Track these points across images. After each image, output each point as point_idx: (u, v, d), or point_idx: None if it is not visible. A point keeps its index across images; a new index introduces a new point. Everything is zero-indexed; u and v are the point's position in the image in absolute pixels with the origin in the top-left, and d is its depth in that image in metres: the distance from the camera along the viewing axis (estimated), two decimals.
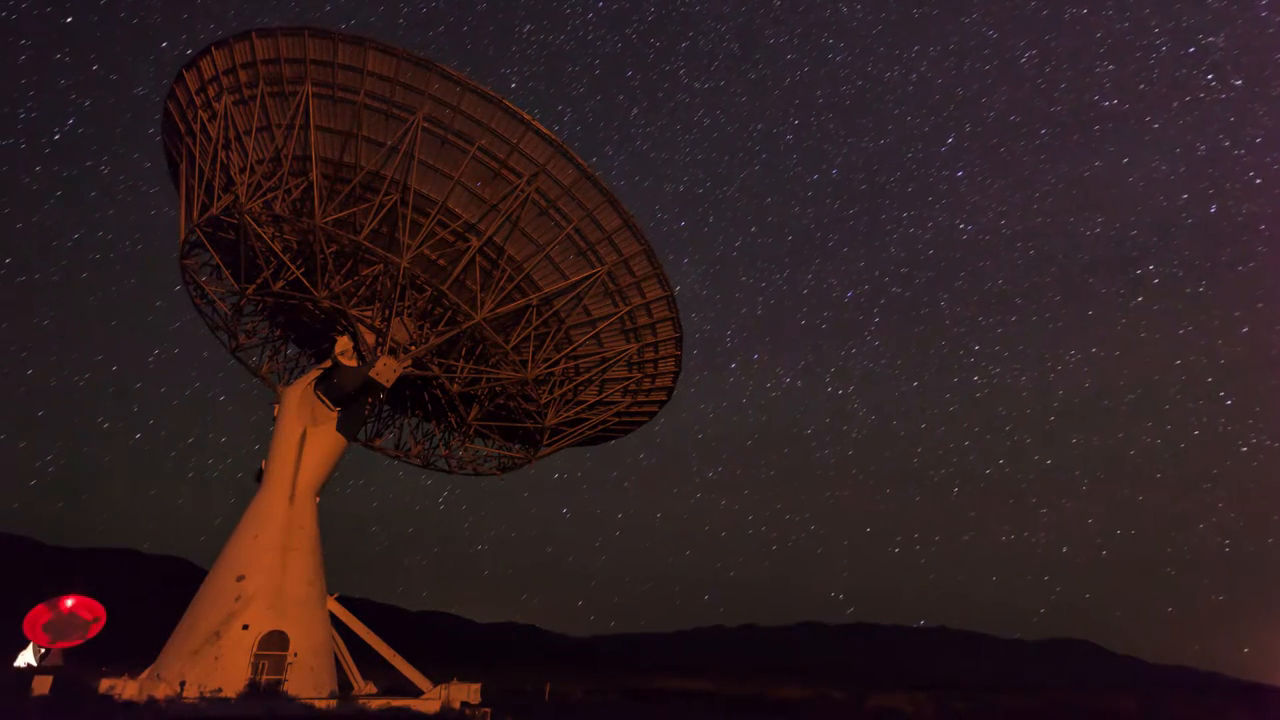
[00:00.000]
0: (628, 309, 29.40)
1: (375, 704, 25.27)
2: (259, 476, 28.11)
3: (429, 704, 25.98)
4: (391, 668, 28.50)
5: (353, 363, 28.28)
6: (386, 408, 36.03)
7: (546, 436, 32.38)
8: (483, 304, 27.43)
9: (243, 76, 26.45)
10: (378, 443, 35.44)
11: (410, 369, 28.92)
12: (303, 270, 27.94)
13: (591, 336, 30.14)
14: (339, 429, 28.69)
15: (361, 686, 29.25)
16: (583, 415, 32.51)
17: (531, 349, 29.11)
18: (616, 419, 33.95)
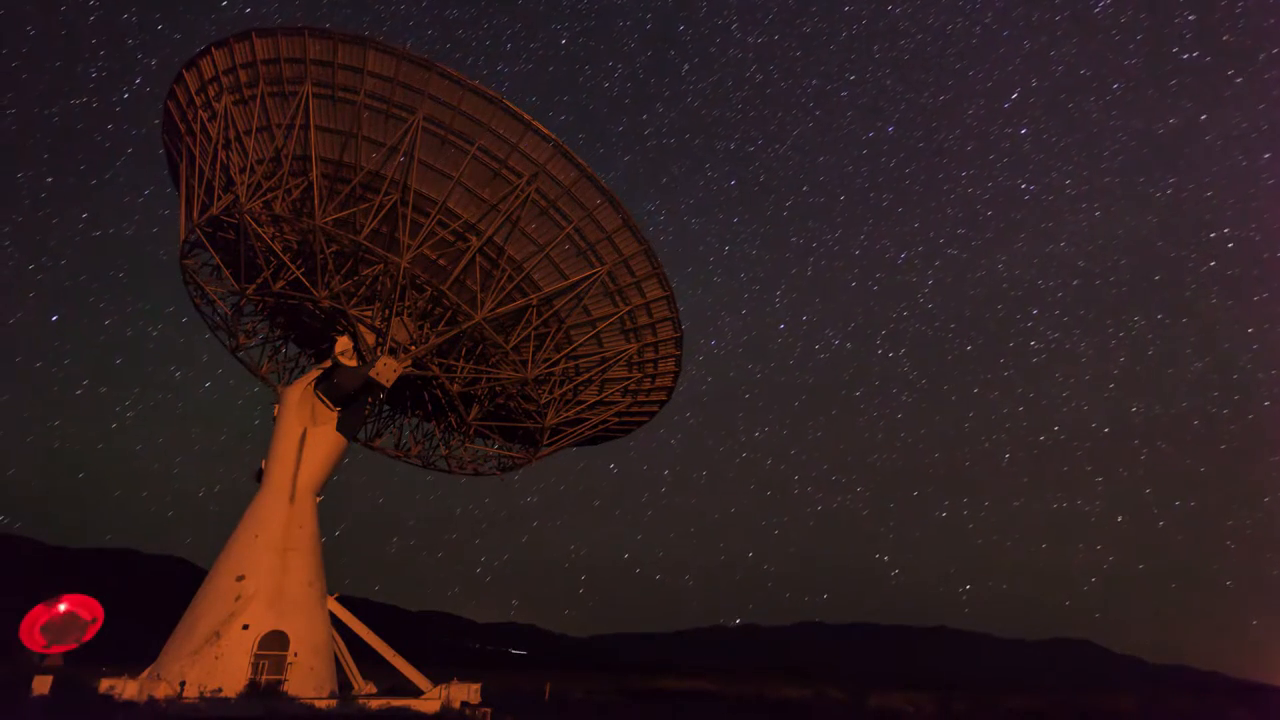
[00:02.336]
0: (628, 309, 29.40)
1: (375, 704, 25.26)
2: (259, 476, 28.09)
3: (429, 704, 25.97)
4: (391, 668, 28.48)
5: (353, 363, 28.28)
6: (386, 408, 36.03)
7: (546, 436, 32.38)
8: (483, 304, 27.43)
9: (243, 76, 26.45)
10: (378, 443, 35.45)
11: (410, 369, 28.92)
12: (303, 270, 27.94)
13: (591, 336, 30.14)
14: (339, 429, 28.67)
15: (361, 686, 29.24)
16: (583, 415, 32.51)
17: (531, 349, 29.11)
18: (616, 419, 33.95)
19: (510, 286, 27.94)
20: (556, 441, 33.21)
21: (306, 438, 27.96)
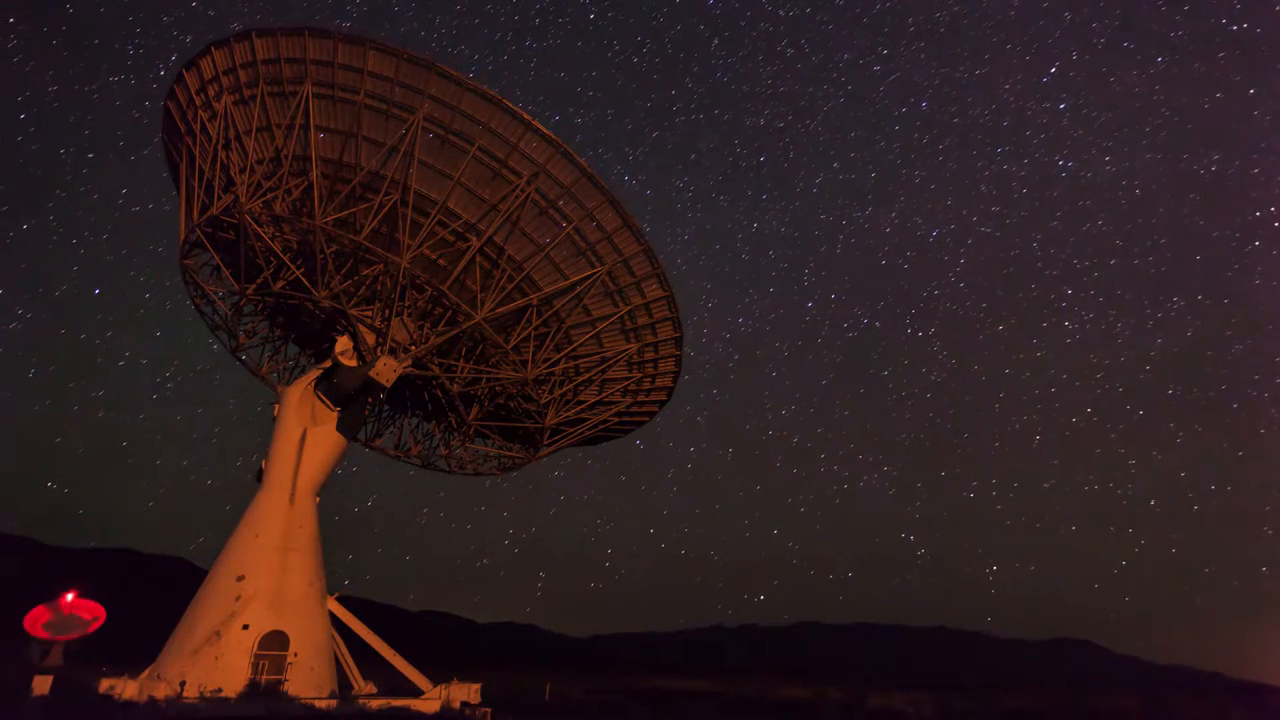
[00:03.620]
0: (628, 309, 29.41)
1: (375, 704, 25.26)
2: (259, 476, 28.10)
3: (429, 704, 25.97)
4: (391, 668, 28.48)
5: (353, 363, 28.28)
6: (386, 408, 36.04)
7: (546, 436, 32.38)
8: (483, 304, 27.44)
9: (243, 76, 26.46)
10: (378, 443, 35.46)
11: (410, 369, 28.93)
12: (303, 270, 27.95)
13: (591, 336, 30.15)
14: (339, 429, 28.69)
15: (361, 686, 29.24)
16: (583, 415, 32.51)
17: (531, 349, 29.11)
18: (616, 419, 33.95)
19: (510, 286, 27.95)
20: (556, 441, 33.22)
21: (306, 438, 27.97)
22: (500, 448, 35.59)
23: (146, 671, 24.65)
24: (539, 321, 28.98)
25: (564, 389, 31.20)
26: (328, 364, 29.29)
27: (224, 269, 30.25)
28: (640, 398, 33.12)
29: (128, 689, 22.87)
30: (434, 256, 27.94)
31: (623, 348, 30.60)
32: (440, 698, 26.37)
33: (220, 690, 22.96)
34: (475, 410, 32.66)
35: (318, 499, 28.41)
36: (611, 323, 29.75)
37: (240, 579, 25.53)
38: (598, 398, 32.32)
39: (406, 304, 28.90)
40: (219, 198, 27.24)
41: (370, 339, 28.80)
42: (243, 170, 27.05)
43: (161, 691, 22.97)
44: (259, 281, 28.74)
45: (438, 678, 28.33)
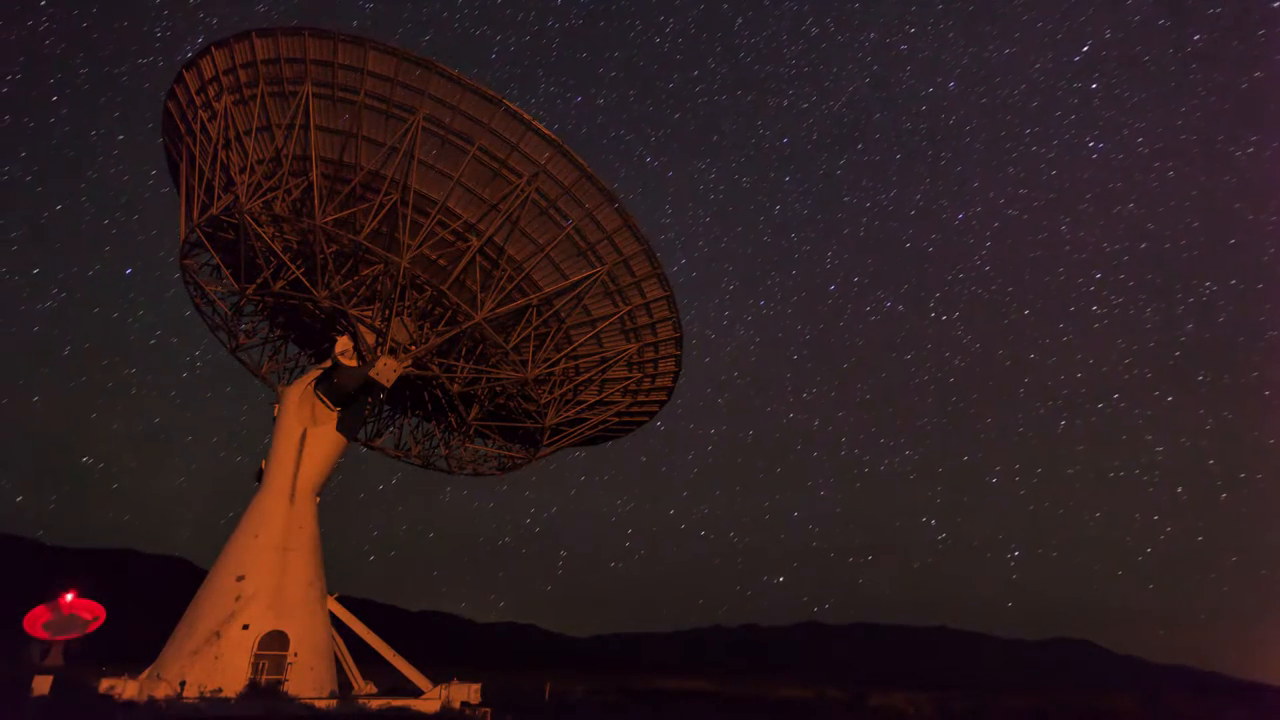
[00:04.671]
0: (628, 309, 29.41)
1: (375, 704, 25.26)
2: (259, 476, 28.11)
3: (429, 704, 25.97)
4: (391, 668, 28.48)
5: (353, 363, 28.28)
6: (386, 408, 36.04)
7: (546, 436, 32.38)
8: (483, 304, 27.44)
9: (243, 76, 26.46)
10: (378, 443, 35.46)
11: (410, 369, 28.93)
12: (303, 270, 27.95)
13: (591, 336, 30.15)
14: (339, 429, 28.69)
15: (361, 686, 29.25)
16: (583, 415, 32.51)
17: (531, 349, 29.11)
18: (616, 419, 33.96)
19: (510, 286, 27.95)
20: (556, 441, 33.22)
21: (306, 438, 27.98)
22: (500, 448, 35.59)
23: (146, 671, 24.66)
24: (539, 321, 28.97)
25: (564, 389, 31.21)
26: (328, 364, 29.29)
27: (224, 269, 30.25)
28: (640, 398, 33.13)
29: (128, 689, 22.88)
30: (434, 256, 27.93)
31: (623, 348, 30.60)
32: (440, 698, 26.37)
33: (220, 690, 22.96)
34: (475, 410, 32.66)
35: (318, 499, 28.43)
36: (611, 323, 29.75)
37: (240, 579, 25.53)
38: (598, 398, 32.32)
39: (406, 304, 28.90)
40: (219, 198, 27.24)
41: (370, 339, 28.81)
42: (243, 170, 27.05)
43: (161, 691, 22.97)
44: (259, 281, 28.74)
45: (438, 678, 28.34)
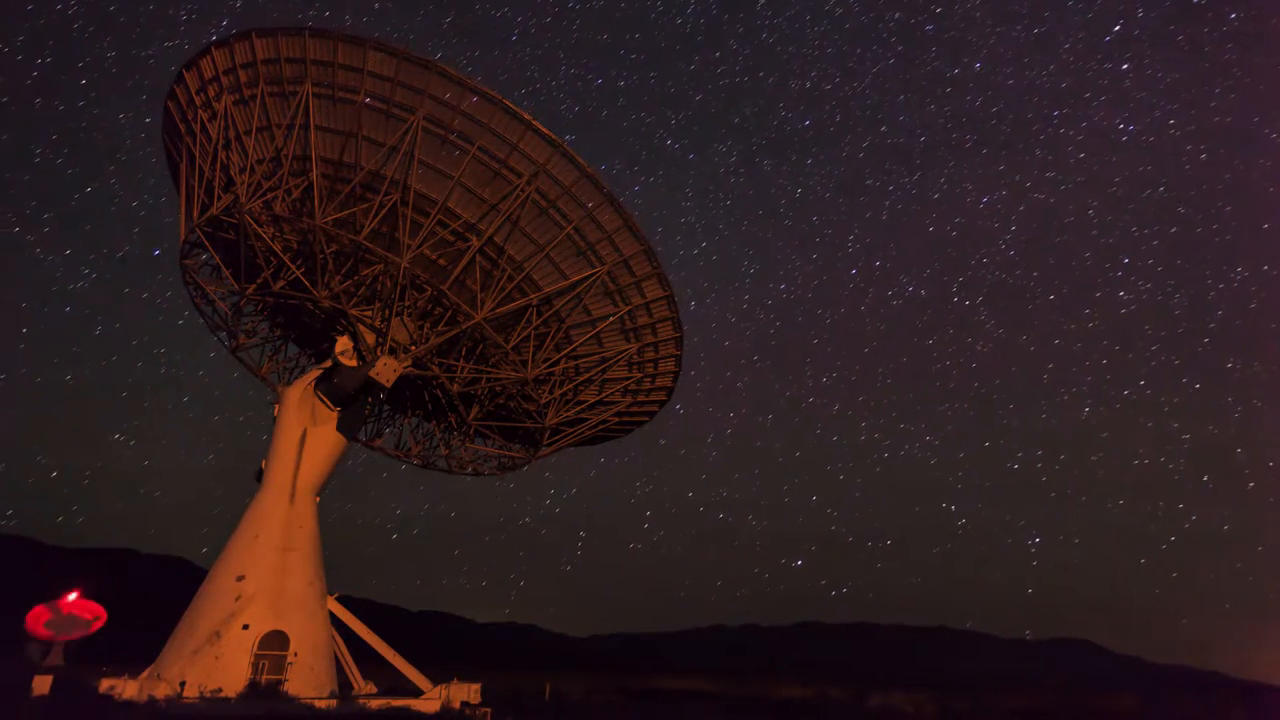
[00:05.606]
0: (628, 309, 29.40)
1: (375, 704, 25.26)
2: (259, 476, 28.11)
3: (429, 704, 25.97)
4: (391, 668, 28.49)
5: (353, 363, 28.28)
6: (386, 408, 36.03)
7: (546, 436, 32.38)
8: (483, 304, 27.44)
9: (243, 76, 26.46)
10: (378, 443, 35.45)
11: (410, 369, 28.92)
12: (303, 270, 27.95)
13: (591, 336, 30.15)
14: (339, 429, 28.69)
15: (361, 686, 29.25)
16: (583, 415, 32.51)
17: (531, 349, 29.11)
18: (616, 419, 33.95)
19: (510, 286, 27.95)
20: (556, 441, 33.22)
21: (306, 438, 27.98)
22: (500, 448, 35.58)
23: (146, 671, 24.65)
24: (539, 321, 28.97)
25: (564, 389, 31.20)
26: (328, 364, 29.30)
27: (224, 269, 30.24)
28: (640, 398, 33.11)
29: (128, 689, 22.88)
30: (434, 256, 27.94)
31: (623, 348, 30.59)
32: (440, 698, 26.38)
33: (220, 690, 22.96)
34: (475, 410, 32.65)
35: (318, 499, 28.43)
36: (611, 323, 29.74)
37: (240, 579, 25.53)
38: (598, 398, 32.32)
39: (406, 304, 28.90)
40: (219, 198, 27.23)
41: (370, 339, 28.81)
42: (243, 170, 27.05)
43: (161, 691, 22.97)
44: (259, 281, 28.74)
45: (438, 678, 28.35)
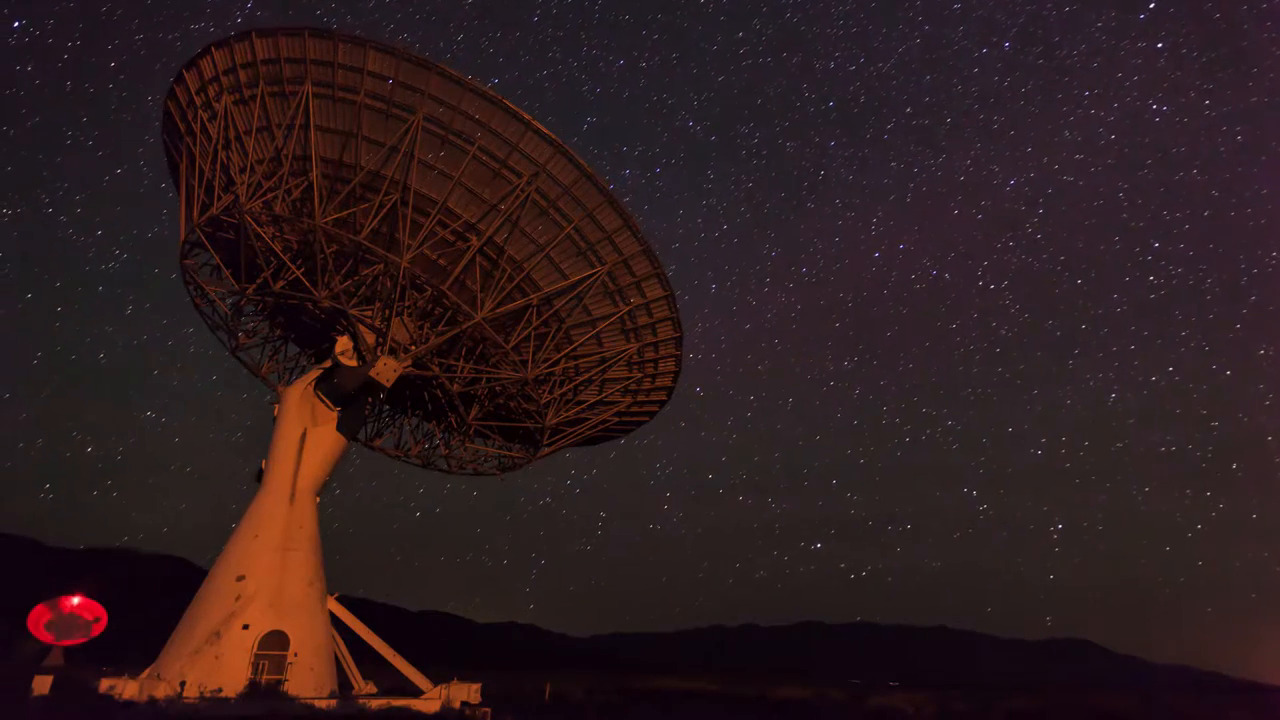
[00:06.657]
0: (628, 309, 29.40)
1: (375, 704, 25.25)
2: (259, 476, 28.10)
3: (429, 704, 25.97)
4: (391, 668, 28.49)
5: (353, 363, 28.28)
6: (386, 408, 36.02)
7: (546, 436, 32.38)
8: (483, 304, 27.44)
9: (243, 76, 26.45)
10: (378, 443, 35.44)
11: (410, 369, 28.92)
12: (303, 270, 27.95)
13: (591, 336, 30.14)
14: (339, 429, 28.68)
15: (361, 686, 29.24)
16: (583, 415, 32.51)
17: (531, 349, 29.11)
18: (617, 419, 33.95)
19: (510, 286, 27.95)
20: (556, 441, 33.22)
21: (306, 438, 27.97)
22: (500, 448, 35.58)
23: (146, 671, 24.65)
24: (539, 321, 28.97)
25: (564, 389, 31.21)
26: (328, 364, 29.29)
27: (224, 269, 30.24)
28: (640, 397, 33.12)
29: (128, 689, 22.87)
30: (434, 256, 27.94)
31: (623, 348, 30.59)
32: (440, 698, 26.37)
33: (220, 690, 22.96)
34: (475, 410, 32.65)
35: (318, 499, 28.42)
36: (611, 323, 29.75)
37: (240, 579, 25.52)
38: (598, 398, 32.32)
39: (406, 304, 28.90)
40: (219, 198, 27.23)
41: (370, 339, 28.80)
42: (243, 170, 27.05)
43: (161, 691, 22.96)
44: (259, 281, 28.73)
45: (438, 678, 28.35)
